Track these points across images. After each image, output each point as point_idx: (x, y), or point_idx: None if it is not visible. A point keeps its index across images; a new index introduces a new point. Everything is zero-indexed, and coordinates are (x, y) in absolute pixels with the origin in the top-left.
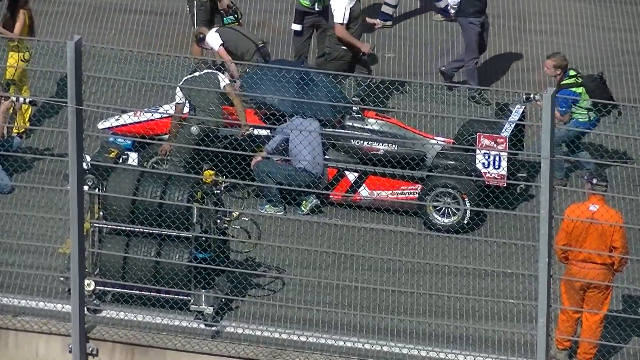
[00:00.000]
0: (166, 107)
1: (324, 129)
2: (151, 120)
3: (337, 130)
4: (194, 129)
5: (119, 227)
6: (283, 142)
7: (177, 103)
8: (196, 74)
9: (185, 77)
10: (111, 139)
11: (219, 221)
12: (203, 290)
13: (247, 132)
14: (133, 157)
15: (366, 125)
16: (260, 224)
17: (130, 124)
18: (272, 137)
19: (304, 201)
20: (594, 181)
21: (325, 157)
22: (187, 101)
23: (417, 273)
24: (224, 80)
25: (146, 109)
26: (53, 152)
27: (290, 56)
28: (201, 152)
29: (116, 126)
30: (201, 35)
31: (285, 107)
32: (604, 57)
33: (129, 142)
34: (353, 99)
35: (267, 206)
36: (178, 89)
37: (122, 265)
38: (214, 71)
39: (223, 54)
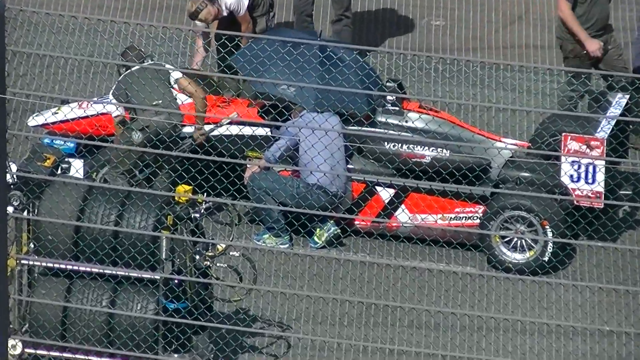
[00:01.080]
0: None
1: (347, 126)
2: (103, 114)
3: (365, 129)
4: (136, 135)
5: (57, 266)
6: (290, 148)
7: (114, 116)
8: (133, 68)
9: (120, 78)
10: (46, 141)
11: (197, 257)
12: (175, 355)
13: (203, 136)
14: (77, 166)
15: (406, 121)
16: (256, 262)
17: (73, 119)
18: (274, 140)
19: (319, 229)
20: None
21: (349, 166)
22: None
23: (477, 331)
24: (174, 72)
25: (96, 99)
26: None
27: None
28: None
29: (53, 123)
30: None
31: (306, 101)
32: None
33: (72, 145)
34: (387, 84)
35: (266, 236)
36: (111, 96)
37: (61, 320)
38: (157, 62)
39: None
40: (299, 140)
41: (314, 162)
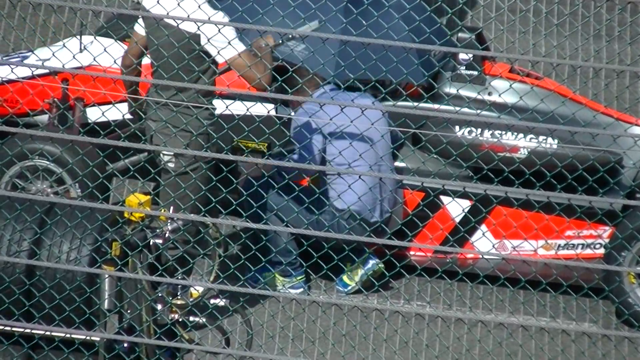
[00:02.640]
0: (51, 51)
1: (394, 102)
2: (13, 82)
3: (424, 105)
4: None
5: None
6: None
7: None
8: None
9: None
10: None
11: (159, 307)
12: None
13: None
14: None
15: (489, 93)
16: (252, 314)
17: None
18: (294, 138)
19: (350, 264)
20: None
21: (397, 164)
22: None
23: None
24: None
25: (4, 56)
26: None
27: None
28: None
29: None
30: None
31: (326, 64)
32: None
33: None
34: (460, 35)
35: (269, 274)
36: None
37: None
38: None
39: None
40: (320, 149)
41: (343, 181)
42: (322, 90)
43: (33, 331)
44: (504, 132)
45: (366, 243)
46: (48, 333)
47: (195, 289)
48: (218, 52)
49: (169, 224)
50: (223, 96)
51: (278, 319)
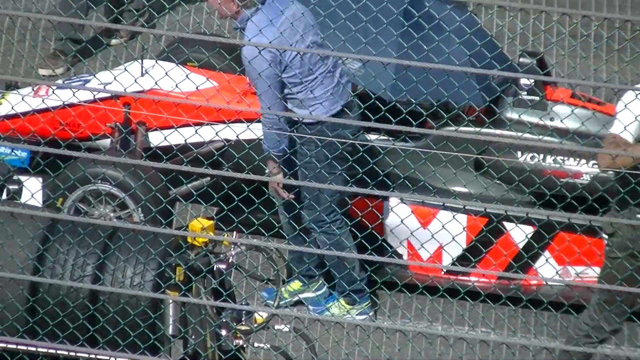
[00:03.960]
0: (113, 75)
1: (456, 127)
2: (74, 105)
3: (486, 131)
4: None
5: (2, 346)
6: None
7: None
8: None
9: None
10: None
11: (224, 333)
12: None
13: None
14: (32, 188)
15: (551, 119)
16: (317, 341)
17: (25, 114)
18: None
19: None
20: None
21: (457, 189)
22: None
23: None
24: None
25: (63, 81)
26: None
27: None
28: None
29: None
30: None
31: (381, 80)
32: None
33: (24, 156)
34: (521, 60)
35: (335, 303)
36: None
37: None
38: None
39: None
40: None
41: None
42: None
43: (97, 357)
44: (566, 158)
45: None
46: (112, 359)
47: (259, 315)
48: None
49: (232, 249)
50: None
51: (343, 345)
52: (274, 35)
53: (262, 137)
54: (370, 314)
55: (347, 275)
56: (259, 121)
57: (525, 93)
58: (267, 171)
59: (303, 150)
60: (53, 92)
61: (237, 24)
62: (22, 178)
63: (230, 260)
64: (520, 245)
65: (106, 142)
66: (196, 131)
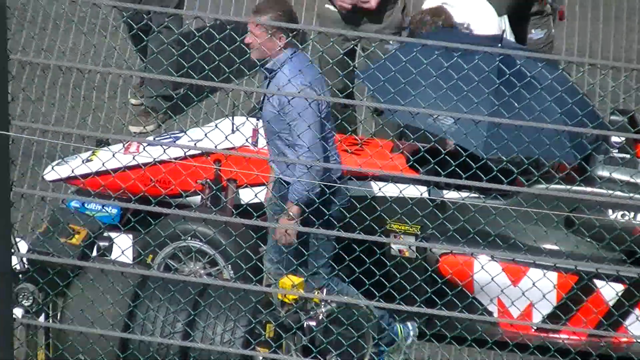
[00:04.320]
0: (203, 132)
1: (546, 185)
2: (165, 162)
3: (577, 188)
4: None
5: None
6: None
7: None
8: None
9: None
10: (74, 205)
11: None
12: None
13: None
14: (123, 245)
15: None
16: None
17: (116, 171)
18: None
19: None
20: None
21: (547, 246)
22: None
23: None
24: None
25: (154, 138)
26: None
27: None
28: None
29: (85, 176)
30: None
31: (474, 138)
32: None
33: (114, 212)
34: (612, 117)
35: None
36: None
37: None
38: None
39: None
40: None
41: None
42: (288, 53)
43: None
44: None
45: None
46: None
47: None
48: None
49: (322, 306)
50: (375, 178)
51: None
52: (314, 77)
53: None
54: None
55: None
56: (350, 178)
57: (616, 151)
58: (285, 214)
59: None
60: (144, 149)
61: (270, 67)
62: (113, 235)
63: (320, 318)
64: (611, 303)
65: (197, 199)
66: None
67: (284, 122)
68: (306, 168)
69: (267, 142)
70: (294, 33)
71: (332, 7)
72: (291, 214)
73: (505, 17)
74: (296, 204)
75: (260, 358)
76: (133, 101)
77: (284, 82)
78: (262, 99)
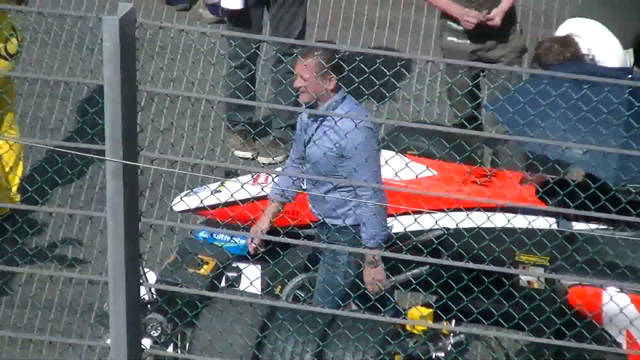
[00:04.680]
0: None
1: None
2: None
3: None
4: None
5: None
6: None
7: None
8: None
9: None
10: (203, 236)
11: None
12: None
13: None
14: (251, 276)
15: None
16: None
17: (244, 202)
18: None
19: None
20: None
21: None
22: None
23: None
24: None
25: (284, 168)
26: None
27: None
28: None
29: (213, 207)
30: None
31: (604, 169)
32: None
33: (243, 243)
34: None
35: None
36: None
37: None
38: None
39: None
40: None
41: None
42: (339, 97)
43: None
44: None
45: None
46: None
47: None
48: None
49: (451, 337)
50: (505, 209)
51: None
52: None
53: (364, 222)
54: None
55: None
56: (479, 210)
57: None
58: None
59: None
60: (272, 180)
61: (323, 110)
62: (241, 265)
63: (449, 349)
64: None
65: None
66: (416, 220)
67: (337, 164)
68: (373, 210)
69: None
70: (342, 74)
71: (454, 25)
72: (374, 259)
73: (631, 50)
74: (377, 246)
75: None
76: (240, 153)
77: (345, 124)
78: (307, 140)
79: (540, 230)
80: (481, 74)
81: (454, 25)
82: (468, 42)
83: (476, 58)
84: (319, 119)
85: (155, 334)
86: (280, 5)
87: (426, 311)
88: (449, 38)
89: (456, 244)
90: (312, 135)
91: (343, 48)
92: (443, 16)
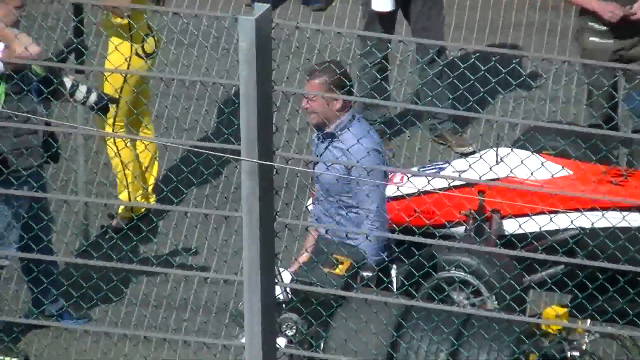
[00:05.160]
0: (467, 162)
1: None
2: (428, 193)
3: None
4: None
5: None
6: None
7: None
8: None
9: None
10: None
11: None
12: None
13: None
14: (390, 274)
15: None
16: None
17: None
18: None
19: None
20: None
21: None
22: None
23: None
24: None
25: (421, 167)
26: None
27: None
28: None
29: None
30: None
31: None
32: None
33: None
34: None
35: None
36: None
37: None
38: None
39: None
40: None
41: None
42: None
43: None
44: None
45: None
46: None
47: None
48: None
49: (586, 336)
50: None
51: None
52: (376, 141)
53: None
54: None
55: None
56: (614, 209)
57: None
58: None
59: None
60: (408, 180)
61: (332, 131)
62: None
63: (584, 348)
64: None
65: (460, 229)
66: (551, 219)
67: (346, 185)
68: (375, 228)
69: (313, 202)
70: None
71: (596, 25)
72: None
73: None
74: (369, 267)
75: None
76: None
77: (353, 145)
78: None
79: None
80: (617, 74)
81: (596, 26)
82: (611, 41)
83: (617, 58)
84: (327, 139)
85: (290, 333)
86: (420, 8)
87: (561, 310)
88: (591, 38)
89: (591, 243)
90: (320, 155)
91: (478, 49)
92: (582, 15)
